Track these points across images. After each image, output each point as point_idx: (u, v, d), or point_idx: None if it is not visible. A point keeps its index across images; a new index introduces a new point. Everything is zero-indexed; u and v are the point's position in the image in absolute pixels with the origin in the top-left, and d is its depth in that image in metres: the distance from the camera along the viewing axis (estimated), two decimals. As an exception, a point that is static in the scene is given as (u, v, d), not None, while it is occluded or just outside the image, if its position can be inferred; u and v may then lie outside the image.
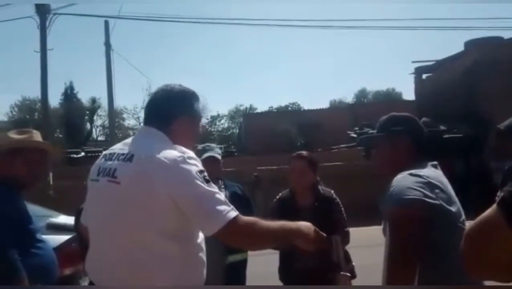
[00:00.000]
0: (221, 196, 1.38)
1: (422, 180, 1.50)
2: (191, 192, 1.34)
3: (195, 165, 1.38)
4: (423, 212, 1.43)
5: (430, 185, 1.50)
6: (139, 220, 1.36)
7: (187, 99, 1.59)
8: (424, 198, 1.45)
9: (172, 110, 1.54)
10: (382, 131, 1.78)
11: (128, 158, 1.41)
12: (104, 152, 1.56)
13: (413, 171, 1.56)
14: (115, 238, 1.40)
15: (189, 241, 1.45)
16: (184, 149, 1.43)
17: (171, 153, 1.38)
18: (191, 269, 1.45)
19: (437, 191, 1.50)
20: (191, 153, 1.42)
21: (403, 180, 1.52)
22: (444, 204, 1.50)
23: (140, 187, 1.35)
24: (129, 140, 1.56)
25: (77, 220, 3.06)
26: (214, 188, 1.38)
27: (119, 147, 1.52)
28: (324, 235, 1.63)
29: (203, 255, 1.51)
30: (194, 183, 1.34)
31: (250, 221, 1.41)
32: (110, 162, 1.46)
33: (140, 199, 1.35)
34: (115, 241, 1.40)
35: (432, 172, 1.60)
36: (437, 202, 1.47)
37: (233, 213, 1.35)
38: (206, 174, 1.39)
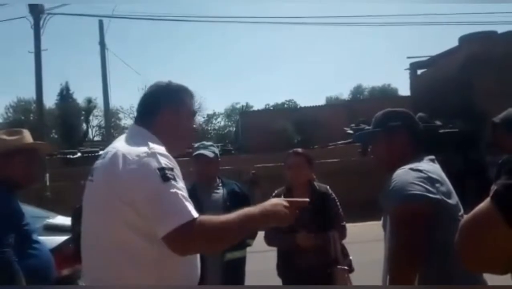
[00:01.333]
0: (181, 195, 1.23)
1: (423, 174, 1.49)
2: (144, 189, 1.22)
3: (157, 162, 1.25)
4: (426, 207, 1.42)
5: (431, 180, 1.49)
6: (109, 217, 1.30)
7: (173, 92, 1.52)
8: (426, 194, 1.44)
9: (156, 102, 1.49)
10: (378, 126, 1.77)
11: (104, 156, 1.39)
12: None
13: (413, 166, 1.54)
14: (93, 236, 1.37)
15: None
16: (153, 145, 1.32)
17: (137, 148, 1.30)
18: (173, 269, 1.34)
19: (437, 185, 1.49)
20: (158, 149, 1.31)
21: (404, 175, 1.51)
22: (445, 198, 1.49)
23: (105, 184, 1.31)
24: (117, 138, 1.53)
25: (74, 221, 3.06)
26: (174, 187, 1.22)
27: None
28: (301, 200, 1.45)
29: (190, 256, 1.37)
30: (149, 180, 1.22)
31: (206, 224, 1.22)
32: (96, 161, 1.45)
33: (106, 194, 1.30)
34: (93, 239, 1.37)
35: (431, 166, 1.59)
36: (438, 196, 1.46)
37: (189, 215, 1.19)
38: (169, 171, 1.25)
